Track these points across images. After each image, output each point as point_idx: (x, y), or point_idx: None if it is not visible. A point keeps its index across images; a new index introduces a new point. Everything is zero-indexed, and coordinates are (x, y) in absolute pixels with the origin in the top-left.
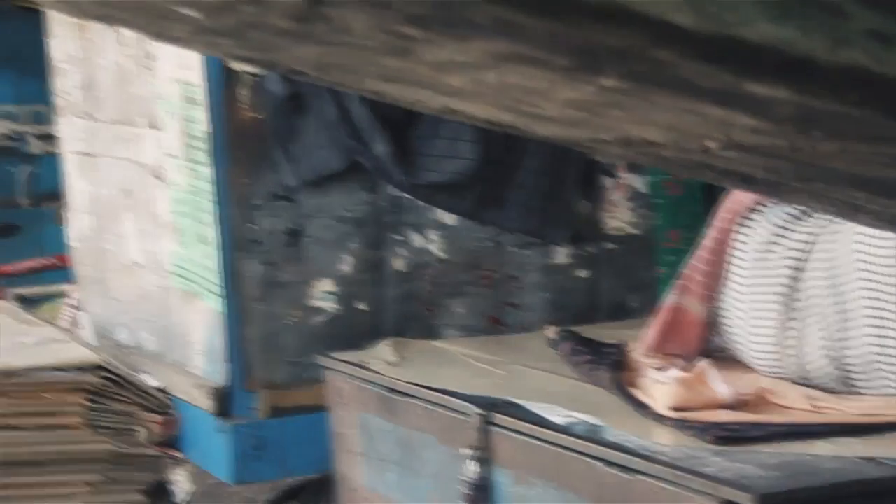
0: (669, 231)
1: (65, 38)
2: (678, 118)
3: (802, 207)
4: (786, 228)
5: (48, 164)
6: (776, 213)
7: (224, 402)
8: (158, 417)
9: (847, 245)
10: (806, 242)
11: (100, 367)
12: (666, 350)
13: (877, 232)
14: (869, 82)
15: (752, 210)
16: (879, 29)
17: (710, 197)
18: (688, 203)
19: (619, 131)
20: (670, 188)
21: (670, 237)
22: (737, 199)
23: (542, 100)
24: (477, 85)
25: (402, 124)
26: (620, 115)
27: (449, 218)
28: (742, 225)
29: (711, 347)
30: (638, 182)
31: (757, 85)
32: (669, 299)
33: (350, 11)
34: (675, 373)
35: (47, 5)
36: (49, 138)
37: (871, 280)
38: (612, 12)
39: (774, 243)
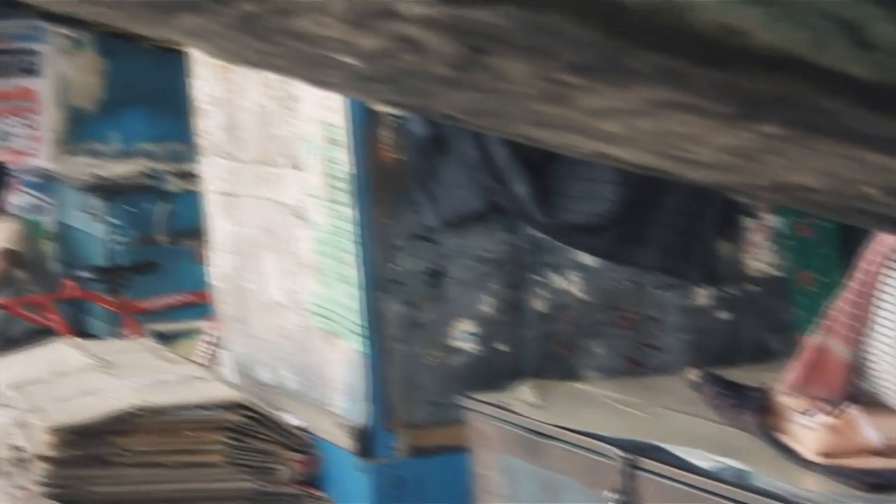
0: (801, 272)
1: (207, 80)
2: (837, 164)
3: None
4: None
5: (185, 202)
6: None
7: (365, 441)
8: (299, 456)
9: None
10: None
11: (241, 406)
12: (809, 390)
13: None
14: None
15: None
16: None
17: (843, 239)
18: (820, 245)
19: (774, 177)
20: (802, 230)
21: (802, 279)
22: (884, 241)
23: (698, 145)
24: (632, 130)
25: (541, 165)
26: (778, 161)
27: (589, 259)
28: (889, 267)
29: (857, 392)
30: (779, 223)
31: None
32: (813, 339)
33: (511, 60)
34: (822, 418)
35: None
36: (186, 176)
37: None
38: (784, 63)
39: None
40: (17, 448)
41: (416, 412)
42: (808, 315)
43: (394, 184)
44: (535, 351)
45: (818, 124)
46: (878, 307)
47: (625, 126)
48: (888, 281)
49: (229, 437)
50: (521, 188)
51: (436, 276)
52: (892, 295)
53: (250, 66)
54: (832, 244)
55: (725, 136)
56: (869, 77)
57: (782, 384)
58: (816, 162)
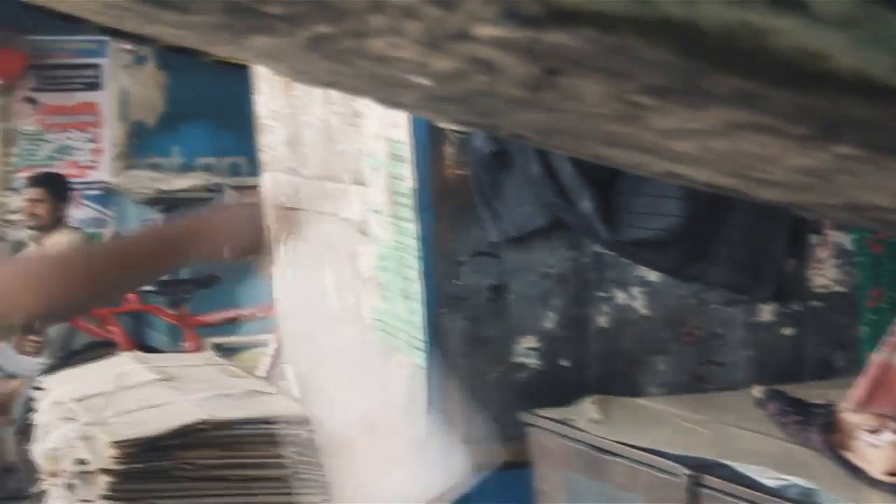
0: (872, 289)
1: (270, 95)
2: None
3: None
4: None
5: None
6: None
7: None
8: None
9: None
10: None
11: (307, 420)
12: (873, 407)
13: None
14: None
15: None
16: None
17: None
18: (890, 261)
19: (847, 197)
20: (873, 246)
21: (872, 295)
22: None
23: (771, 165)
24: (705, 151)
25: (606, 181)
26: (851, 180)
27: (652, 275)
28: None
29: None
30: (844, 239)
31: None
32: (879, 356)
33: (585, 81)
34: (890, 436)
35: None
36: (245, 189)
37: None
38: (864, 86)
39: None
40: (81, 461)
41: (479, 428)
42: (878, 332)
43: (456, 199)
44: (597, 367)
45: (892, 145)
46: None
47: (698, 146)
48: None
49: (295, 452)
50: (585, 204)
51: (498, 291)
52: None
53: (322, 86)
54: None
55: (800, 157)
56: None
57: (848, 401)
58: (889, 182)
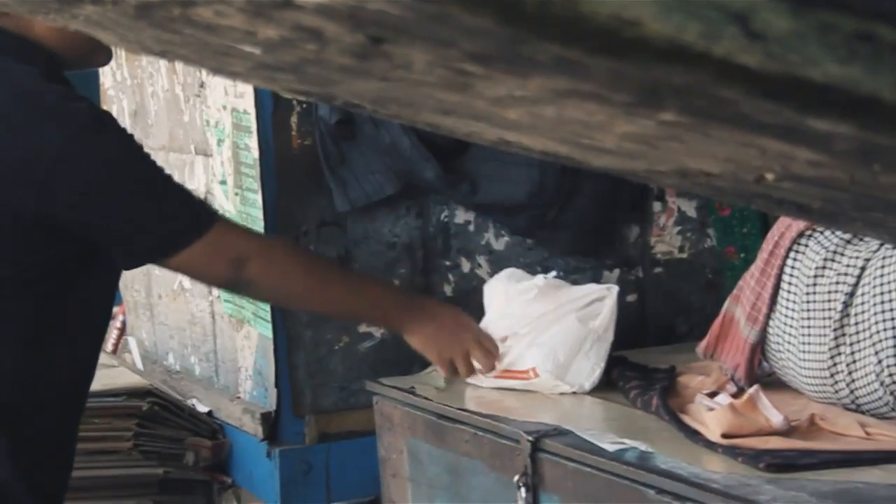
0: (725, 248)
1: (115, 66)
2: (736, 151)
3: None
4: (836, 253)
5: None
6: (826, 238)
7: (272, 427)
8: (207, 442)
9: None
10: (857, 267)
11: (149, 393)
12: (717, 357)
13: None
14: None
15: (802, 235)
16: None
17: (763, 216)
18: (739, 223)
19: (675, 163)
20: (720, 209)
21: (727, 253)
22: (786, 223)
23: (600, 133)
24: (534, 118)
25: (453, 150)
26: (678, 147)
27: (497, 243)
28: (792, 250)
29: (761, 373)
30: (687, 206)
31: (819, 121)
32: (725, 307)
33: (412, 49)
34: (725, 399)
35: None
36: None
37: None
38: (678, 53)
39: (825, 268)
40: None
41: (325, 398)
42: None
43: (302, 170)
44: None
45: (715, 112)
46: (782, 289)
47: (527, 114)
48: (790, 262)
49: (137, 425)
50: (429, 174)
51: (344, 261)
52: (795, 277)
53: (153, 55)
54: (752, 221)
55: (625, 124)
56: (760, 66)
57: (697, 350)
58: (715, 148)
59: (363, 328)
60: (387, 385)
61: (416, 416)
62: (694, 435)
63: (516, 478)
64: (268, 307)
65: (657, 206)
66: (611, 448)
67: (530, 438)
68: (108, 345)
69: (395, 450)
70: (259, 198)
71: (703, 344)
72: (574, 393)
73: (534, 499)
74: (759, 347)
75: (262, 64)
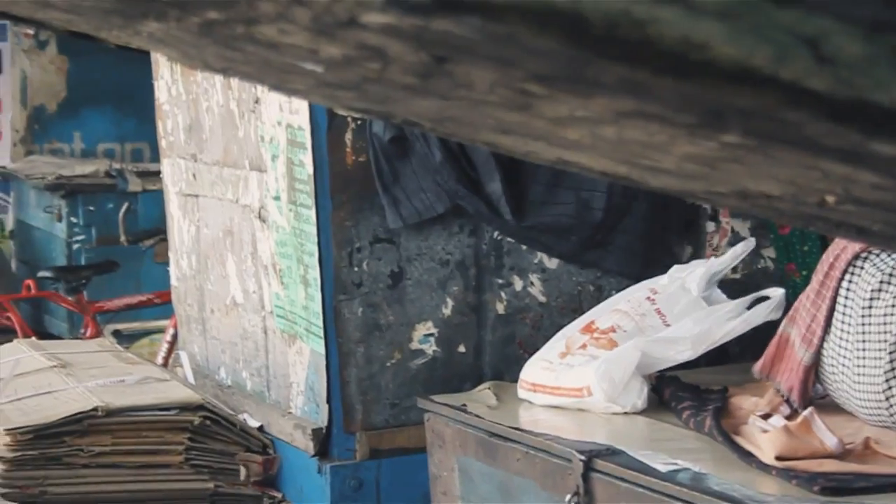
0: (787, 265)
1: (171, 80)
2: (798, 173)
3: None
4: (893, 276)
5: (146, 202)
6: (882, 260)
7: (323, 442)
8: (258, 457)
9: None
10: None
11: (201, 407)
12: (773, 374)
13: None
14: None
15: (858, 256)
16: None
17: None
18: (799, 241)
19: (736, 185)
20: (781, 228)
21: (788, 270)
22: (842, 244)
23: (660, 153)
24: (594, 139)
25: (513, 167)
26: (739, 169)
27: (550, 262)
28: (848, 272)
29: (815, 395)
30: (741, 227)
31: (884, 145)
32: (781, 328)
33: (475, 69)
34: (779, 421)
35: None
36: (147, 175)
37: None
38: (745, 75)
39: (881, 290)
40: None
41: (376, 414)
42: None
43: (356, 186)
44: (495, 353)
45: (779, 135)
46: (837, 311)
47: (587, 134)
48: (848, 286)
49: (189, 439)
50: (494, 186)
51: (397, 278)
52: (850, 299)
53: (215, 72)
54: (812, 240)
55: (687, 145)
56: (827, 90)
57: (753, 370)
58: (777, 171)
59: (415, 345)
60: (438, 402)
61: (468, 433)
62: (748, 457)
63: (568, 497)
64: (320, 322)
65: (710, 226)
66: (664, 469)
67: (583, 458)
68: (160, 358)
69: (446, 467)
70: (313, 214)
71: (758, 364)
72: (626, 413)
73: None
74: (814, 369)
75: (323, 82)
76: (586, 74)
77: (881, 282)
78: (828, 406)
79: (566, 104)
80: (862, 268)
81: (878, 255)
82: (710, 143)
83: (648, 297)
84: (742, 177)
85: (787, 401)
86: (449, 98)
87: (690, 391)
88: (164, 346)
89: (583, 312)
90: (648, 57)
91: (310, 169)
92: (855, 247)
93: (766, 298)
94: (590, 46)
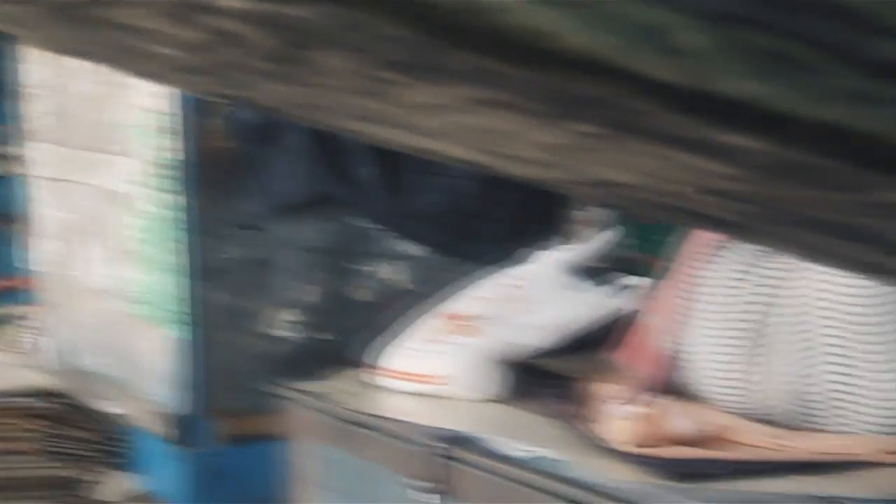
0: (645, 255)
1: (37, 64)
2: (653, 164)
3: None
4: (753, 265)
5: (5, 186)
6: (741, 250)
7: (184, 429)
8: (117, 444)
9: (814, 285)
10: (775, 279)
11: (59, 394)
12: (632, 363)
13: (843, 274)
14: (847, 136)
15: (718, 245)
16: (862, 88)
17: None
18: (657, 231)
19: (592, 174)
20: (641, 217)
21: (647, 261)
22: (700, 233)
23: (517, 142)
24: (452, 126)
25: (377, 156)
26: (595, 158)
27: (415, 248)
28: (708, 260)
29: (672, 383)
30: (604, 215)
31: (733, 136)
32: (641, 316)
33: (330, 55)
34: (637, 408)
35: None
36: (9, 159)
37: (835, 320)
38: (593, 65)
39: (742, 280)
40: None
41: (236, 400)
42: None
43: (222, 172)
44: (358, 340)
45: (632, 125)
46: (697, 300)
47: (445, 122)
48: (706, 273)
49: (46, 426)
50: (355, 178)
51: (261, 264)
52: (710, 286)
53: (71, 55)
54: (674, 228)
55: (542, 134)
56: (674, 81)
57: (614, 359)
58: (632, 160)
59: (279, 332)
60: (300, 390)
61: (328, 421)
62: (605, 443)
63: (426, 485)
64: (184, 309)
65: (576, 214)
66: (520, 455)
67: (442, 445)
68: (22, 345)
69: (306, 455)
70: (178, 199)
71: (618, 352)
72: (487, 400)
73: None
74: (673, 357)
75: (181, 67)
76: (439, 62)
77: (741, 272)
78: (687, 394)
79: (423, 92)
80: (722, 257)
81: (734, 244)
82: (565, 132)
83: (511, 284)
84: (598, 166)
85: (646, 388)
86: (308, 85)
87: (550, 378)
88: (27, 333)
89: (447, 300)
90: (498, 45)
91: (177, 154)
92: (711, 235)
93: (628, 286)
94: (439, 34)
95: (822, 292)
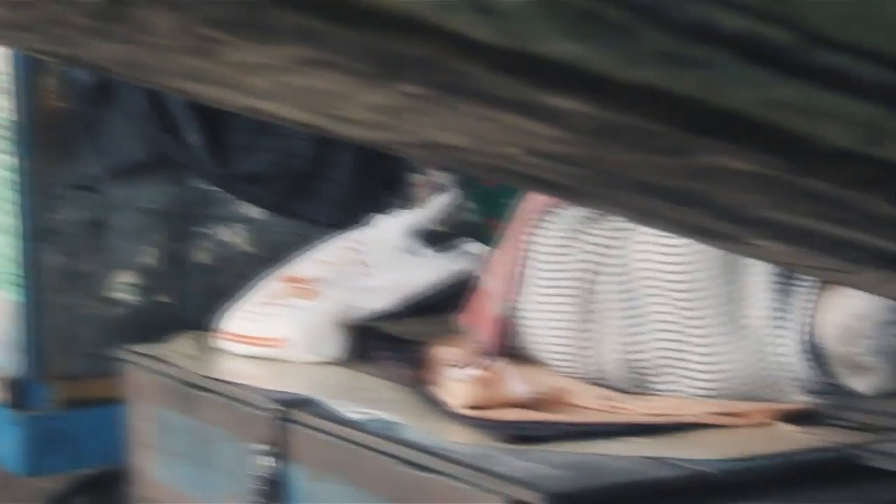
0: (489, 219)
1: None
2: (480, 125)
3: (599, 211)
4: (578, 231)
5: None
6: (569, 216)
7: (18, 393)
8: None
9: (636, 253)
10: (600, 245)
11: None
12: (473, 327)
13: (664, 240)
14: (664, 99)
15: (546, 211)
16: (672, 50)
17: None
18: (503, 194)
19: (422, 135)
20: (486, 181)
21: (490, 224)
22: (533, 198)
23: (347, 103)
24: (281, 87)
25: (215, 115)
26: (424, 120)
27: (255, 211)
28: (536, 226)
29: (510, 346)
30: (444, 178)
31: (555, 98)
32: (479, 280)
33: (153, 12)
34: (472, 371)
35: None
36: None
37: (658, 286)
38: (412, 24)
39: (568, 246)
40: None
41: (73, 364)
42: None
43: (57, 133)
44: (197, 303)
45: (456, 86)
46: (529, 265)
47: (274, 82)
48: (536, 239)
49: None
50: (194, 137)
51: (98, 226)
52: (539, 253)
53: None
54: (513, 192)
55: (370, 95)
56: (492, 41)
57: (455, 323)
58: (460, 122)
59: (116, 294)
60: (137, 352)
61: (166, 384)
62: (441, 406)
63: (263, 447)
64: (18, 270)
65: (417, 177)
66: (356, 418)
67: (277, 407)
68: None
69: (144, 418)
70: (11, 160)
71: (460, 317)
72: (326, 363)
73: (279, 468)
74: (510, 321)
75: (4, 23)
76: (262, 21)
77: (567, 238)
78: (524, 357)
79: (247, 51)
80: (549, 222)
81: (564, 211)
82: (391, 92)
83: (351, 248)
84: (426, 127)
85: (484, 352)
86: (132, 42)
87: (390, 341)
88: None
89: (287, 263)
90: (319, 5)
91: (10, 114)
92: (543, 200)
93: (469, 251)
94: None
95: (644, 261)
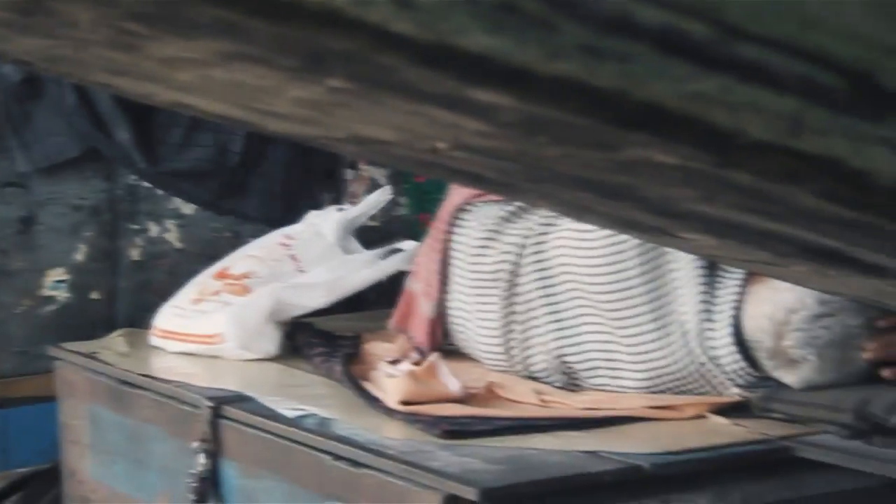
0: (421, 214)
1: None
2: (407, 119)
3: (516, 207)
4: (495, 231)
5: None
6: (487, 214)
7: None
8: None
9: (555, 248)
10: (517, 245)
11: None
12: (404, 328)
13: (582, 239)
14: (586, 92)
15: (461, 209)
16: (591, 43)
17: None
18: (435, 190)
19: (350, 130)
20: (417, 176)
21: (422, 220)
22: (455, 195)
23: (272, 97)
24: (206, 81)
25: (146, 111)
26: (350, 114)
27: (187, 207)
28: (454, 224)
29: (442, 342)
30: (378, 174)
31: (479, 91)
32: (407, 282)
33: (74, 6)
34: (406, 366)
35: None
36: None
37: (579, 286)
38: (333, 17)
39: (486, 246)
40: None
41: (4, 362)
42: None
43: None
44: (129, 300)
45: (380, 80)
46: (451, 264)
47: (198, 76)
48: (455, 238)
49: None
50: (122, 135)
51: (27, 223)
52: (459, 251)
53: None
54: (444, 188)
55: (295, 90)
56: (413, 35)
57: (387, 319)
58: (386, 116)
59: (46, 292)
60: (69, 350)
61: (98, 381)
62: (374, 402)
63: (195, 444)
64: None
65: (350, 173)
66: (290, 414)
67: (210, 404)
68: None
69: (77, 416)
70: None
71: (393, 319)
72: (259, 360)
73: (213, 465)
74: (439, 320)
75: None
76: (182, 14)
77: (485, 238)
78: (455, 353)
79: (171, 45)
80: (465, 220)
81: (479, 208)
82: (317, 87)
83: (283, 244)
84: (354, 122)
85: (416, 348)
86: (54, 37)
87: (324, 337)
88: None
89: (220, 259)
90: None
91: None
92: (461, 196)
93: (400, 247)
94: None
95: (564, 263)
